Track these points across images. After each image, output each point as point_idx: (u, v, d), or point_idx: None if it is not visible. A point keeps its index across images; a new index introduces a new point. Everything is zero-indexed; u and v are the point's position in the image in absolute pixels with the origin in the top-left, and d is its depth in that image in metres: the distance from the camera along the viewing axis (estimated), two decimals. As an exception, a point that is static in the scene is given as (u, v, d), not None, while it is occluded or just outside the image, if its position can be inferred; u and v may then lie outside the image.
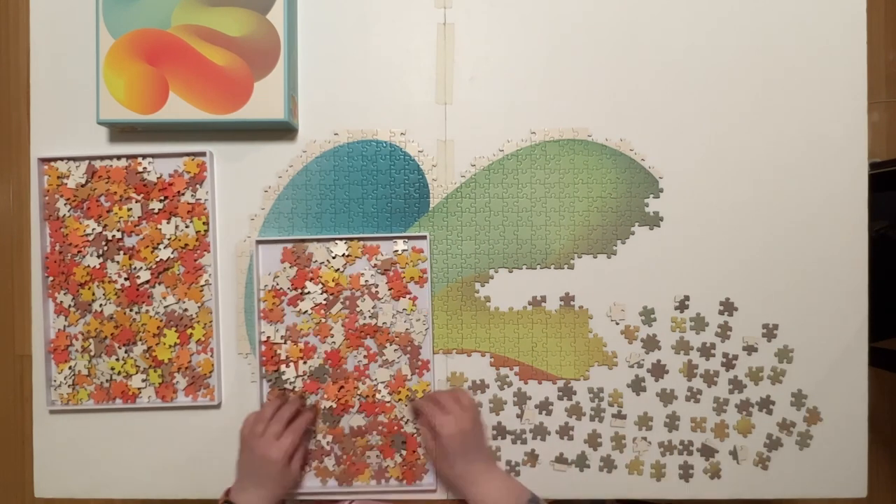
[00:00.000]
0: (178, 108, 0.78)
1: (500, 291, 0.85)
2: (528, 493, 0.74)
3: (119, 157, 0.83)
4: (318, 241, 0.83)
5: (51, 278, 0.83)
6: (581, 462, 0.84)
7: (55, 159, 0.83)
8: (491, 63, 0.85)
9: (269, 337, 0.83)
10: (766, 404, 0.84)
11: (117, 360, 0.83)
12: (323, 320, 0.82)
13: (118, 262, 0.82)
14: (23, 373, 1.71)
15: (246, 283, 0.84)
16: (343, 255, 0.83)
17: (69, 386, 0.83)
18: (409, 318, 0.83)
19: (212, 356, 0.82)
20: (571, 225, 0.85)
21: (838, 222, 0.84)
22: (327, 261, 0.82)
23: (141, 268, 0.82)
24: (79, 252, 0.82)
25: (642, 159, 0.85)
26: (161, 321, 0.82)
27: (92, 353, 0.82)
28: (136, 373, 0.83)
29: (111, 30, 0.78)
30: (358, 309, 0.82)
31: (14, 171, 1.73)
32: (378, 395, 0.82)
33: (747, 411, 0.84)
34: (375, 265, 0.83)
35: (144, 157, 0.83)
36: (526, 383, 0.85)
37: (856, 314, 0.84)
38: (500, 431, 0.84)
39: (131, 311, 0.82)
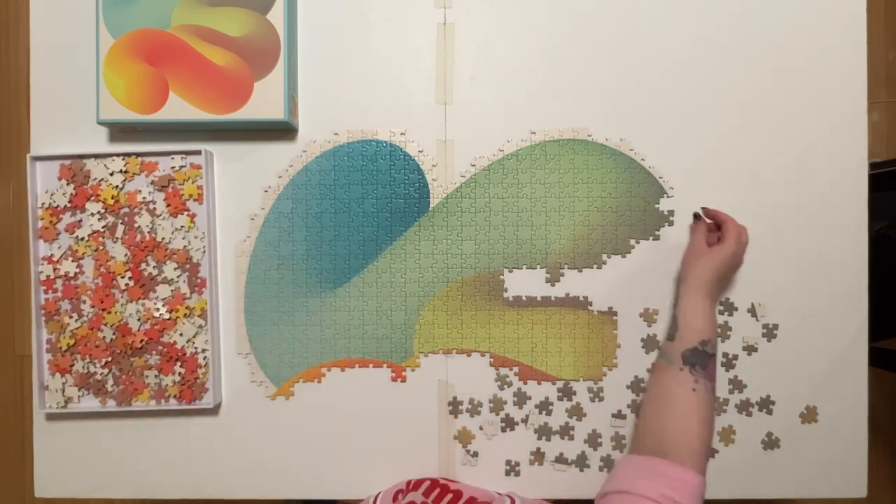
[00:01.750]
0: (178, 108, 0.78)
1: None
2: (705, 337, 0.73)
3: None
4: (96, 157, 0.83)
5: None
6: (581, 462, 0.84)
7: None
8: (491, 63, 0.85)
9: (51, 255, 0.83)
10: (766, 404, 0.84)
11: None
12: (101, 247, 0.82)
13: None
14: (23, 373, 1.71)
15: (246, 282, 0.84)
16: (121, 171, 0.82)
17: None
18: (187, 235, 0.83)
19: (212, 356, 0.82)
20: (571, 225, 0.85)
21: (838, 222, 0.84)
22: (105, 178, 0.82)
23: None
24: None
25: (642, 159, 0.85)
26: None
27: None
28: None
29: (111, 30, 0.78)
30: (136, 225, 0.82)
31: (14, 171, 1.73)
32: (157, 314, 0.82)
33: (747, 411, 0.84)
34: (153, 181, 0.83)
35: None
36: (526, 383, 0.85)
37: (856, 314, 0.84)
38: (507, 425, 0.84)
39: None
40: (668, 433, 0.67)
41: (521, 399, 0.84)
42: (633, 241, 0.84)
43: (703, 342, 0.71)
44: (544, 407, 0.84)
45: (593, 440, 0.84)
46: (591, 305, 0.84)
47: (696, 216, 0.83)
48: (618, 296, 0.84)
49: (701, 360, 0.71)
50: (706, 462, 0.67)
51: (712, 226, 0.82)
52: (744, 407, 0.84)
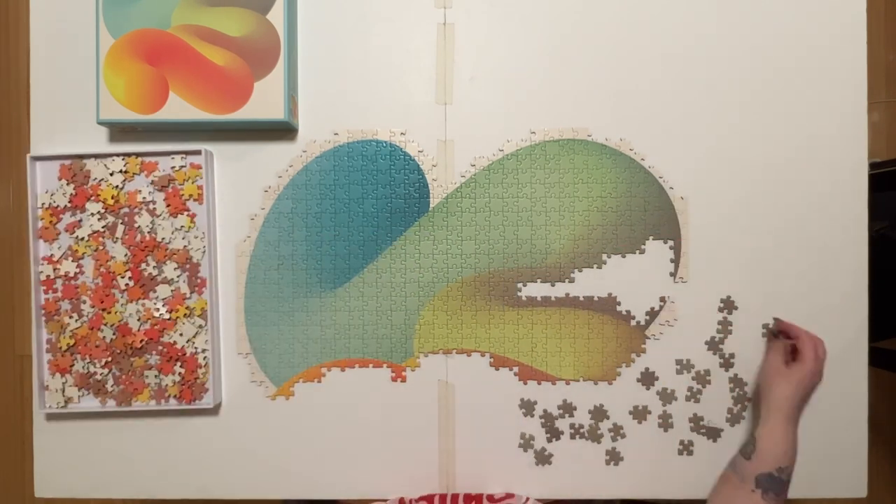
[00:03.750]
0: (178, 108, 0.78)
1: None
2: (783, 463, 0.72)
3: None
4: (96, 157, 0.83)
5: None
6: (582, 462, 0.84)
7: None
8: (491, 63, 0.85)
9: (51, 255, 0.83)
10: (766, 404, 0.84)
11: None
12: (101, 247, 0.82)
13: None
14: (23, 373, 1.71)
15: (246, 282, 0.84)
16: (121, 171, 0.82)
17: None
18: (187, 235, 0.82)
19: (212, 356, 0.82)
20: (571, 225, 0.85)
21: (838, 222, 0.84)
22: (105, 178, 0.82)
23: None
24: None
25: (642, 159, 0.85)
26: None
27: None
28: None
29: (111, 30, 0.78)
30: (136, 225, 0.82)
31: (14, 171, 1.73)
32: (157, 314, 0.82)
33: (747, 411, 0.84)
34: (153, 181, 0.83)
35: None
36: (526, 384, 0.85)
37: (856, 314, 0.84)
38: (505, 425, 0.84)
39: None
40: None
41: (525, 405, 0.84)
42: (633, 241, 0.84)
43: (780, 469, 0.71)
44: (544, 406, 0.84)
45: (594, 440, 0.84)
46: (591, 305, 0.84)
47: (772, 333, 0.82)
48: (618, 295, 0.84)
49: (776, 486, 0.70)
50: None
51: (788, 346, 0.79)
52: (744, 406, 0.84)
